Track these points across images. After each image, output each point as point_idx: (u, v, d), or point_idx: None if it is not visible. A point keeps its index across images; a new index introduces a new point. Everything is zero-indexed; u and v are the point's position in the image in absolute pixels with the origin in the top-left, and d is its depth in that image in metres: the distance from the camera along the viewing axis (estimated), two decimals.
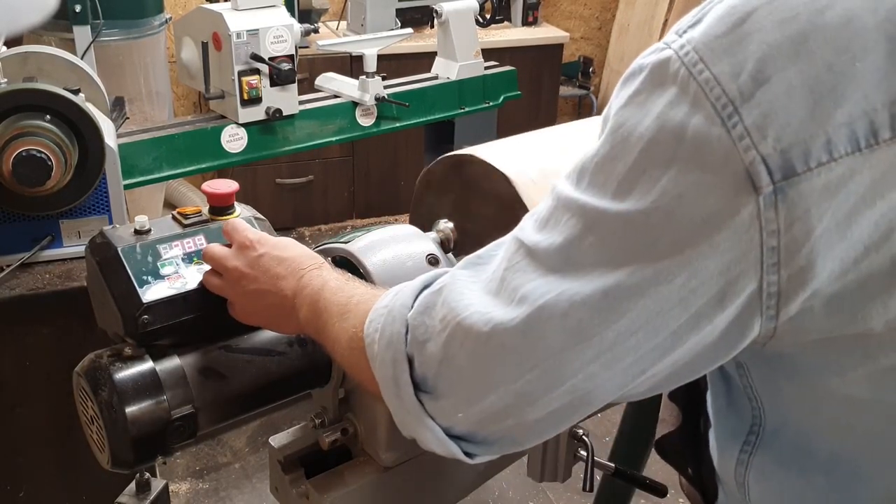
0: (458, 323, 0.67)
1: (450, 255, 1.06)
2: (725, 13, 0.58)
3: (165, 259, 0.96)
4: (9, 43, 1.84)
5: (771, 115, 0.55)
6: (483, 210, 1.17)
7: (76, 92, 1.51)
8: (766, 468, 0.71)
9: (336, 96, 2.56)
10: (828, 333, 0.61)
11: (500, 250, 0.71)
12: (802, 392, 0.68)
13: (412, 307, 0.72)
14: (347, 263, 1.01)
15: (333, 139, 2.54)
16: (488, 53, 2.99)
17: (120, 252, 0.95)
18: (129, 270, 0.94)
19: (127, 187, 1.91)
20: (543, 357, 0.63)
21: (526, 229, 0.68)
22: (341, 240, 1.05)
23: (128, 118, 2.14)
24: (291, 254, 0.91)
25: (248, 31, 2.21)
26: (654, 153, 0.59)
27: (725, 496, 0.83)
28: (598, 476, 1.26)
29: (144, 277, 0.94)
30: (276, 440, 1.10)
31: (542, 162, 1.19)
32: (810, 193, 0.55)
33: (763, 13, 0.57)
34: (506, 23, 4.15)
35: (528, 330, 0.63)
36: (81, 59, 2.07)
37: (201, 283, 0.97)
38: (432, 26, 3.40)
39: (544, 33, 4.14)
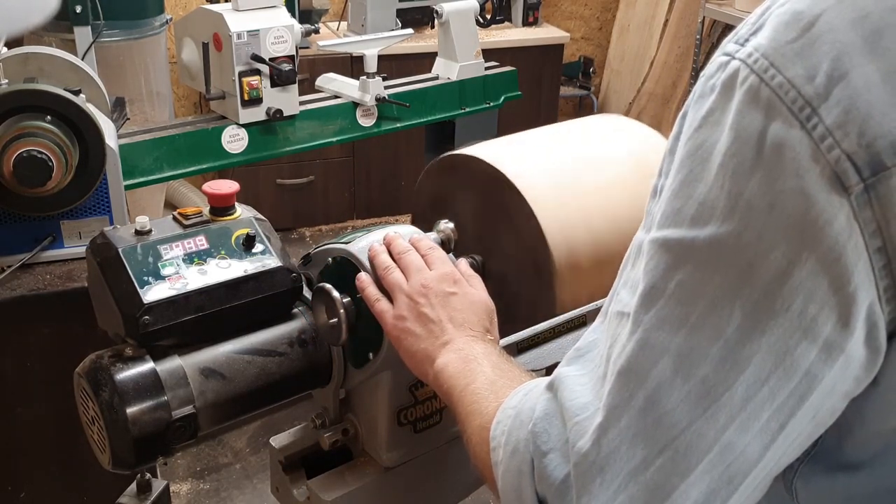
0: (575, 425, 0.61)
1: (450, 255, 1.06)
2: (792, 18, 0.56)
3: (166, 260, 0.96)
4: (9, 44, 1.84)
5: (851, 110, 0.53)
6: (484, 210, 1.17)
7: (77, 93, 1.51)
8: (815, 475, 0.67)
9: (336, 97, 2.56)
10: None
11: (597, 333, 0.66)
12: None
13: (536, 410, 0.66)
14: (348, 264, 1.02)
15: (334, 140, 2.54)
16: (489, 54, 2.99)
17: (121, 252, 0.95)
18: (129, 271, 0.94)
19: (128, 188, 1.91)
20: (672, 435, 0.57)
21: (619, 293, 0.63)
22: (342, 240, 1.05)
23: (128, 119, 2.14)
24: (469, 312, 0.92)
25: (248, 31, 2.21)
26: (732, 166, 0.56)
27: None
28: None
29: (145, 278, 0.94)
30: (277, 440, 1.10)
31: (543, 160, 1.20)
32: None
33: (832, 15, 0.55)
34: (506, 23, 4.15)
35: (648, 407, 0.57)
36: (82, 59, 2.07)
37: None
38: (433, 27, 3.40)
39: (545, 33, 4.14)
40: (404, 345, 0.92)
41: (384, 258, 0.99)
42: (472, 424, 0.78)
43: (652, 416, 0.57)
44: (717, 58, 0.60)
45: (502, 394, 0.76)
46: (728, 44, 0.60)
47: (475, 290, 0.97)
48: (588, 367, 0.64)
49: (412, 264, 0.97)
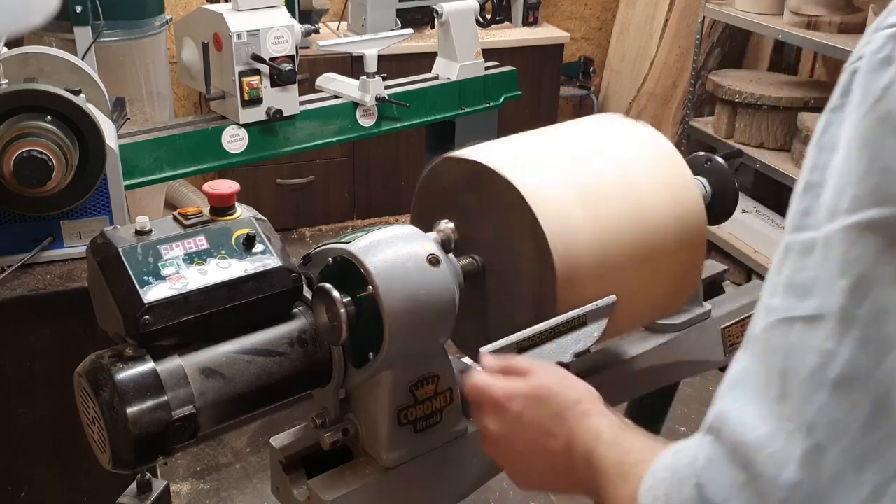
0: (768, 457, 0.53)
1: (450, 255, 1.06)
2: None
3: (166, 260, 0.97)
4: (10, 44, 1.84)
5: None
6: (483, 210, 1.17)
7: (77, 93, 1.51)
8: None
9: (337, 97, 2.57)
10: None
11: (745, 361, 0.58)
12: None
13: (698, 461, 0.58)
14: (348, 264, 1.02)
15: (334, 139, 2.54)
16: (489, 54, 2.99)
17: (121, 252, 0.95)
18: (130, 271, 0.94)
19: (128, 188, 1.91)
20: None
21: (771, 303, 0.57)
22: (342, 240, 1.05)
23: (129, 119, 2.14)
24: (553, 404, 0.83)
25: (248, 31, 2.21)
26: None
27: None
28: None
29: (145, 278, 0.94)
30: (278, 440, 1.10)
31: (542, 160, 1.20)
32: None
33: None
34: (506, 23, 4.16)
35: (876, 420, 0.49)
36: (82, 59, 2.07)
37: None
38: (433, 26, 3.40)
39: (545, 33, 4.14)
40: (542, 488, 0.88)
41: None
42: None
43: (881, 431, 0.49)
44: (882, 32, 0.54)
45: (645, 466, 0.67)
46: (890, 16, 0.55)
47: (528, 387, 0.86)
48: (750, 395, 0.56)
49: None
